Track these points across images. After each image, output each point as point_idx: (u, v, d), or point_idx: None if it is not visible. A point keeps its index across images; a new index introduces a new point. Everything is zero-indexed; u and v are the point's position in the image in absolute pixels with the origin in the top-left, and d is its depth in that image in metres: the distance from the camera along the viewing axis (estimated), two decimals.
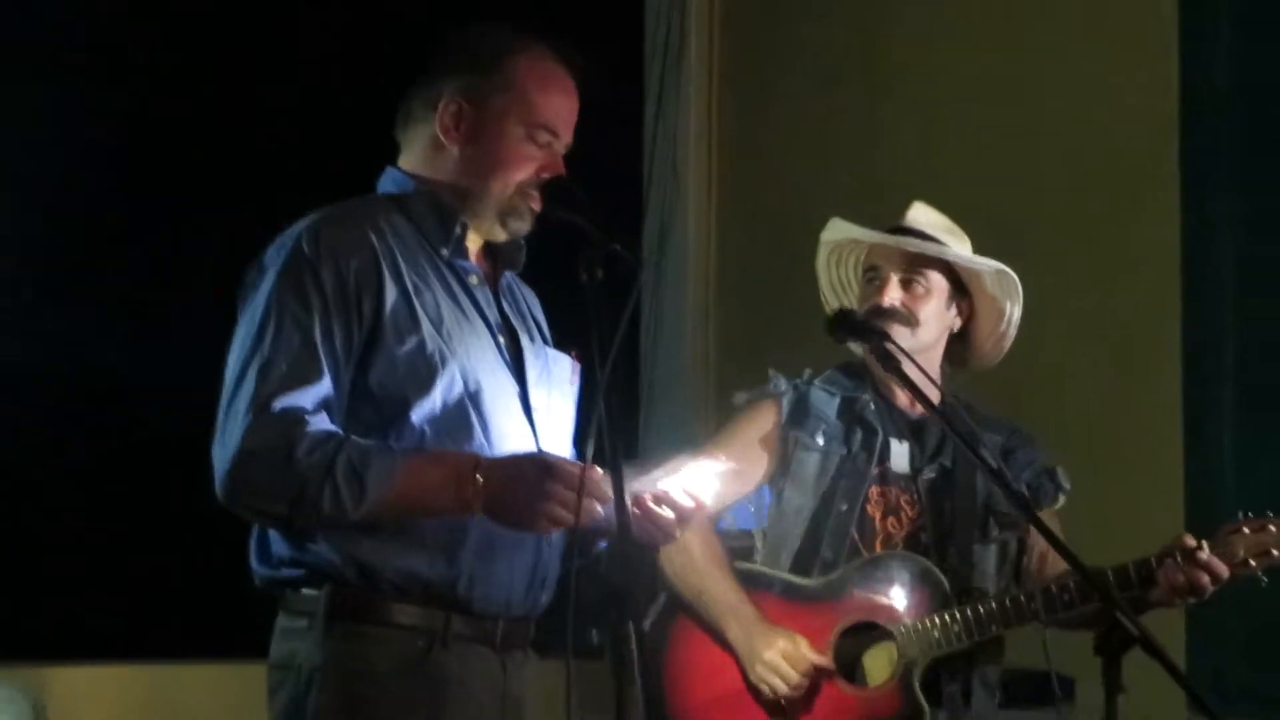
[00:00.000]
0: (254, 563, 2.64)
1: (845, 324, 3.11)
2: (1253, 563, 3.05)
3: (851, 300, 3.39)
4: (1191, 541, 3.02)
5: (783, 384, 3.34)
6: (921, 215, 3.34)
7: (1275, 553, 3.05)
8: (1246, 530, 3.06)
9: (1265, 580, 3.07)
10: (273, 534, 2.60)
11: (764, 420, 3.32)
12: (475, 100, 2.69)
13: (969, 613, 3.10)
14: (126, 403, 4.90)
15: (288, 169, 4.88)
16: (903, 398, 3.31)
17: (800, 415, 3.28)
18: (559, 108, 2.73)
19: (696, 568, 3.20)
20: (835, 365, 3.37)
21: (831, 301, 3.44)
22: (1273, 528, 3.06)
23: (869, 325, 3.12)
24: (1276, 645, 4.41)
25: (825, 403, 3.29)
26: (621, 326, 2.44)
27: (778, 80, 6.07)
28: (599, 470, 2.45)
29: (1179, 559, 3.01)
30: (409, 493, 2.50)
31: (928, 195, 5.16)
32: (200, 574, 4.73)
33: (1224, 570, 3.02)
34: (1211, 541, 3.04)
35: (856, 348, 3.27)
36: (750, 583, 3.23)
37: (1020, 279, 4.88)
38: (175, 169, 5.08)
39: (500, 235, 2.74)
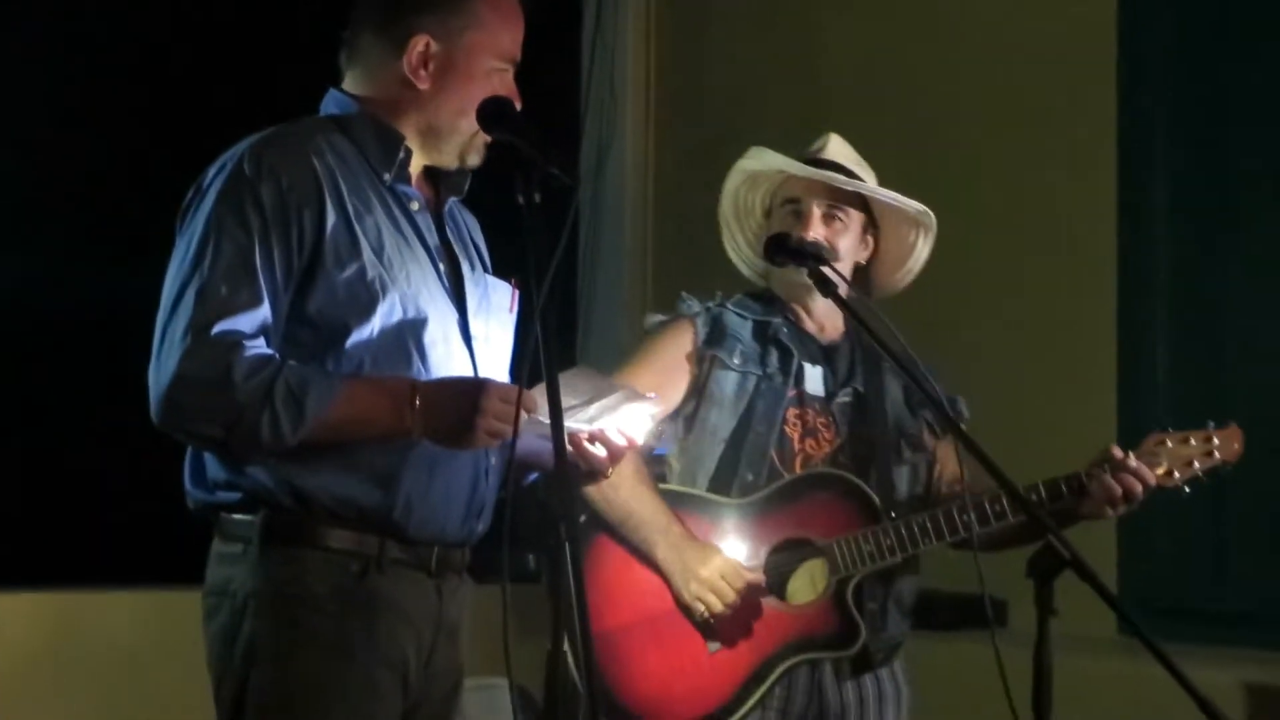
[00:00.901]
0: (189, 486, 2.63)
1: (783, 248, 3.11)
2: (1176, 475, 3.13)
3: (752, 226, 3.39)
4: (1119, 452, 3.09)
5: (695, 305, 3.32)
6: (840, 149, 3.33)
7: (1196, 465, 3.13)
8: (1169, 443, 3.14)
9: (1187, 490, 3.15)
10: (208, 458, 2.59)
11: (681, 341, 3.30)
12: (443, 38, 2.66)
13: (901, 527, 3.12)
14: (50, 322, 4.84)
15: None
16: (812, 323, 3.32)
17: (717, 336, 3.27)
18: (518, 37, 2.73)
19: (624, 489, 3.17)
20: (743, 292, 3.37)
21: (732, 226, 3.40)
22: (1194, 440, 3.14)
23: (806, 249, 3.12)
24: (1205, 567, 4.47)
25: (739, 325, 3.28)
26: (559, 249, 2.43)
27: (716, 1, 6.03)
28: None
29: (1109, 470, 3.07)
30: (347, 417, 2.50)
31: (865, 116, 5.19)
32: (117, 500, 4.71)
33: (1151, 478, 3.10)
34: (1137, 452, 3.12)
35: (792, 273, 3.25)
36: (676, 503, 3.21)
37: (956, 196, 4.92)
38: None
39: (453, 165, 2.73)
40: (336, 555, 2.55)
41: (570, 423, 2.55)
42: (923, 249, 3.36)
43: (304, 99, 2.78)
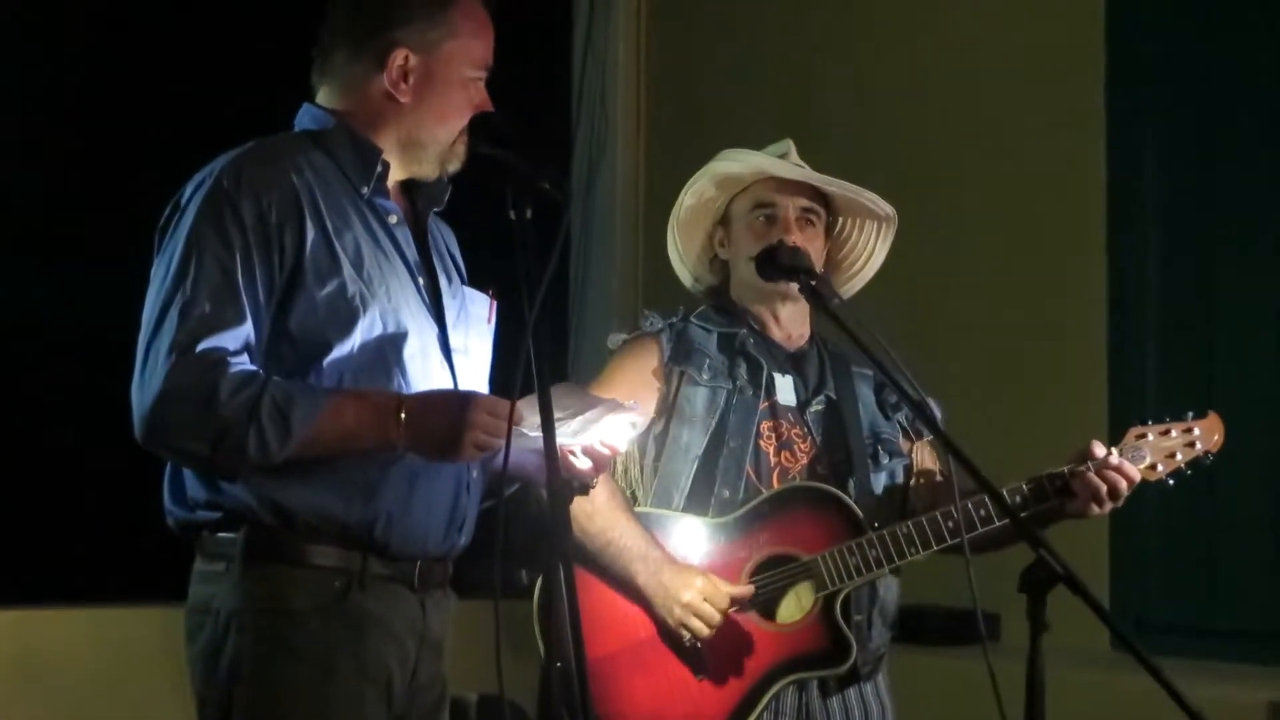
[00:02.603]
0: (169, 504, 2.62)
1: (775, 263, 3.08)
2: (1159, 468, 3.08)
3: (700, 238, 3.35)
4: (1100, 449, 3.04)
5: (659, 322, 3.27)
6: (795, 154, 3.28)
7: (1179, 457, 3.09)
8: (1151, 436, 3.09)
9: (1170, 483, 3.10)
10: (188, 476, 2.57)
11: (646, 358, 3.23)
12: (421, 50, 2.66)
13: (887, 536, 3.05)
14: (13, 339, 4.82)
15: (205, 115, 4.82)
16: (778, 331, 3.27)
17: (683, 351, 3.20)
18: (491, 45, 2.73)
19: (600, 517, 3.08)
20: (708, 300, 3.33)
21: (686, 231, 3.35)
22: (1174, 432, 3.10)
23: (798, 264, 3.10)
24: (1197, 581, 4.46)
25: (704, 339, 3.22)
26: (550, 265, 2.41)
27: (706, 13, 6.04)
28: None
29: (1092, 468, 3.02)
30: (333, 432, 2.49)
31: (857, 125, 5.20)
32: (79, 517, 4.67)
33: (1136, 474, 3.05)
34: (1118, 447, 3.07)
35: (761, 282, 3.19)
36: (653, 526, 3.13)
37: (950, 202, 4.94)
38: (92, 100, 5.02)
39: (434, 174, 2.73)
40: (318, 571, 2.54)
41: (568, 436, 2.55)
42: (880, 253, 3.32)
43: (278, 115, 2.77)
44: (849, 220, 3.31)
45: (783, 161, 3.23)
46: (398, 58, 2.65)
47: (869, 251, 3.33)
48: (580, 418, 2.56)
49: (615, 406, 2.63)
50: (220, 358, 2.45)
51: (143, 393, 2.46)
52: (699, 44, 6.04)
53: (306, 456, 2.48)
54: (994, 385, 4.76)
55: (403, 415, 2.49)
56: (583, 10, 6.14)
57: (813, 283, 3.04)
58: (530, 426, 2.46)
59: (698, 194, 3.30)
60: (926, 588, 3.82)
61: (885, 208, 3.28)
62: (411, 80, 2.66)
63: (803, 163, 3.28)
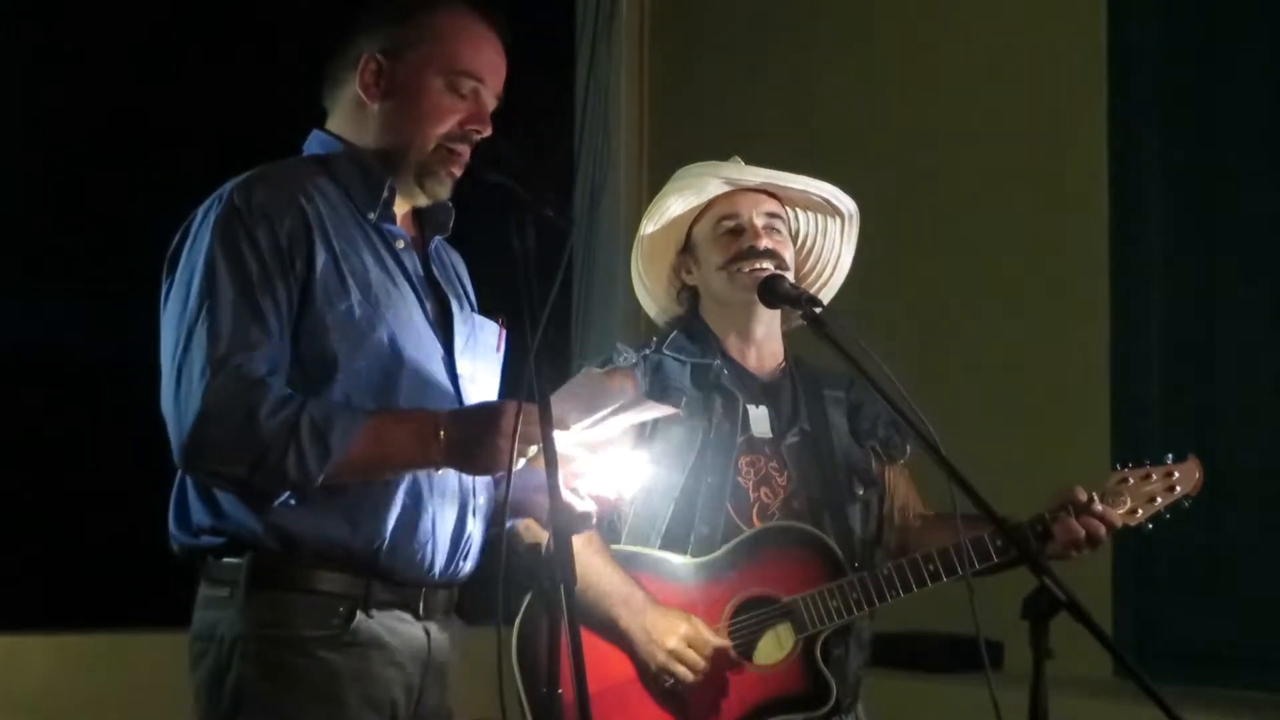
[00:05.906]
0: (173, 529, 2.61)
1: (775, 292, 3.07)
2: (1140, 512, 3.07)
3: (660, 268, 3.31)
4: (1083, 495, 3.02)
5: (632, 355, 3.22)
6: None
7: (1159, 500, 3.08)
8: (1131, 480, 3.08)
9: (1150, 526, 3.10)
10: (192, 501, 2.57)
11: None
12: (393, 54, 2.66)
13: (868, 579, 3.04)
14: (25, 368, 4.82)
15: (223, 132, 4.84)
16: (752, 359, 3.24)
17: (659, 388, 3.16)
18: (481, 54, 2.70)
19: (578, 559, 3.04)
20: (677, 328, 3.28)
21: (644, 267, 3.31)
22: (1154, 476, 3.09)
23: (801, 292, 3.08)
24: (1202, 607, 4.45)
25: (678, 372, 3.19)
26: (553, 291, 2.41)
27: (709, 38, 6.06)
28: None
29: (1073, 513, 3.01)
30: (372, 451, 2.48)
31: (861, 148, 5.21)
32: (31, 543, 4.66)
33: (1117, 520, 3.04)
34: (1100, 493, 3.06)
35: (732, 291, 3.17)
36: (633, 565, 3.09)
37: (948, 225, 4.94)
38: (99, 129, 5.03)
39: (420, 199, 2.72)
40: (323, 598, 2.53)
41: (591, 435, 2.57)
42: (847, 256, 3.30)
43: (286, 139, 2.78)
44: (812, 226, 3.28)
45: (745, 165, 3.21)
46: (369, 63, 2.66)
47: (835, 256, 3.30)
48: (604, 410, 2.56)
49: (640, 403, 2.62)
50: (258, 378, 2.44)
51: (181, 413, 2.44)
52: (701, 69, 6.06)
53: (344, 479, 2.48)
54: (995, 406, 4.76)
55: (441, 435, 2.48)
56: (585, 36, 6.17)
57: (816, 310, 3.03)
58: (575, 424, 2.48)
59: (659, 218, 3.25)
60: (929, 615, 3.82)
61: (847, 203, 3.25)
62: (381, 84, 2.66)
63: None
